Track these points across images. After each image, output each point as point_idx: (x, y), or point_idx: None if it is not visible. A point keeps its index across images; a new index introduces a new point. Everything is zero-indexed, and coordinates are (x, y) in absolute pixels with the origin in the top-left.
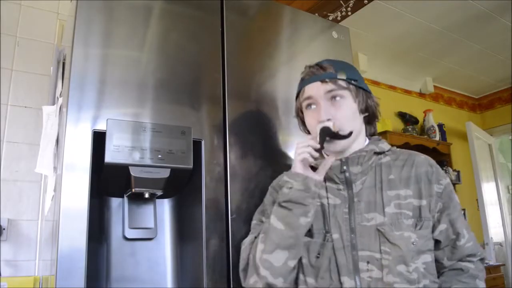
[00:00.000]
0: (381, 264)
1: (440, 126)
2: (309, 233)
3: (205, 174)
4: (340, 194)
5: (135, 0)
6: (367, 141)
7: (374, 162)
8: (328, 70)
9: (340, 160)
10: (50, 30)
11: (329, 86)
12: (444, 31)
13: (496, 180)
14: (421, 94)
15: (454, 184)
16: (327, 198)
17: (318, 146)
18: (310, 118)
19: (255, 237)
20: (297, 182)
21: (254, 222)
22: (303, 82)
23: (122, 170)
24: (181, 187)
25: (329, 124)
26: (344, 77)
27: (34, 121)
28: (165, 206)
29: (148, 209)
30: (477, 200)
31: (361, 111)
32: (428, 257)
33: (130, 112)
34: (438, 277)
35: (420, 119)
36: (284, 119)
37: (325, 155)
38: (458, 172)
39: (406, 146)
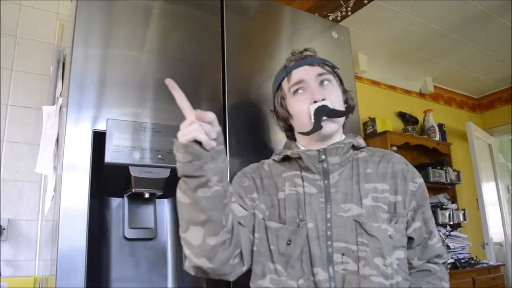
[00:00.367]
0: (357, 256)
1: (440, 126)
2: (280, 220)
3: None
4: (316, 184)
5: (135, 0)
6: (344, 136)
7: (351, 156)
8: (314, 56)
9: (318, 150)
10: (50, 30)
11: (319, 69)
12: (444, 31)
13: (496, 180)
14: (421, 94)
15: (454, 184)
16: (303, 187)
17: (209, 118)
18: (299, 102)
19: None
20: (181, 154)
21: None
22: (289, 68)
23: (122, 170)
24: None
25: (326, 102)
26: (329, 63)
27: (34, 121)
28: (165, 206)
29: (148, 209)
30: (477, 200)
31: (344, 101)
32: (402, 254)
33: (130, 112)
34: None
35: (420, 119)
36: None
37: (310, 141)
38: (458, 172)
39: (406, 146)
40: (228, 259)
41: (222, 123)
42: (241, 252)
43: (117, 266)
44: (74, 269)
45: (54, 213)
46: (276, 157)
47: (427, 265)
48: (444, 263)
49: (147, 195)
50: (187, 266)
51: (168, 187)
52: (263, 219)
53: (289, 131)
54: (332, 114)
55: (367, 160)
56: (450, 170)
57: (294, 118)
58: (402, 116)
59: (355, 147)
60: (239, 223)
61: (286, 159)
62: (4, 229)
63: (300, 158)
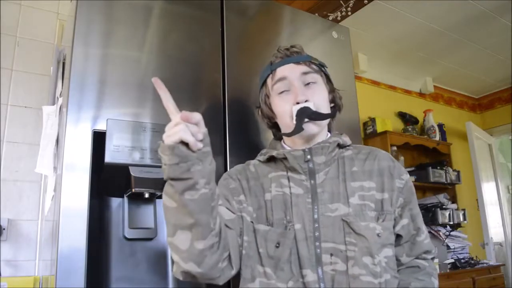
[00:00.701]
0: (345, 256)
1: (440, 126)
2: (268, 222)
3: None
4: (302, 184)
5: (135, 0)
6: (329, 135)
7: (337, 155)
8: (301, 53)
9: (303, 150)
10: (50, 30)
11: (304, 68)
12: (444, 31)
13: (496, 180)
14: (421, 94)
15: (454, 184)
16: (289, 187)
17: (195, 120)
18: (282, 102)
19: None
20: (167, 156)
21: None
22: (274, 65)
23: (122, 170)
24: None
25: (309, 104)
26: (317, 61)
27: (34, 121)
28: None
29: (148, 209)
30: (477, 200)
31: (330, 101)
32: (390, 251)
33: (130, 112)
34: None
35: (420, 119)
36: None
37: (293, 141)
38: (458, 172)
39: (406, 146)
40: (217, 263)
41: (222, 123)
42: (229, 256)
43: (117, 266)
44: (74, 269)
45: (54, 213)
46: (261, 157)
47: (415, 261)
48: (432, 258)
49: (147, 195)
50: (175, 271)
51: None
52: (252, 222)
53: (274, 128)
54: (314, 116)
55: (353, 158)
56: (450, 170)
57: (278, 117)
58: (402, 116)
59: (340, 146)
60: (227, 226)
61: (271, 159)
62: (4, 229)
63: (285, 158)
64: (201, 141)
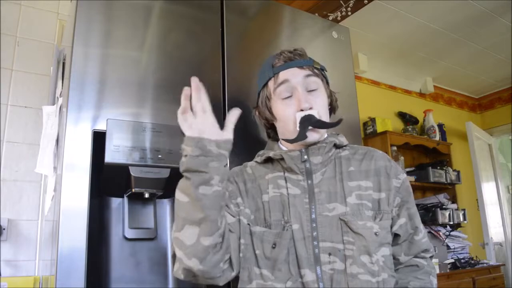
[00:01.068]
0: (344, 255)
1: (440, 126)
2: (266, 224)
3: None
4: (299, 185)
5: (135, 0)
6: (326, 134)
7: (334, 155)
8: (304, 57)
9: (300, 150)
10: (50, 30)
11: (307, 72)
12: (444, 31)
13: (496, 180)
14: (421, 94)
15: (454, 184)
16: (287, 188)
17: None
18: (285, 106)
19: None
20: (190, 147)
21: None
22: (277, 68)
23: (122, 170)
24: None
25: (313, 112)
26: (318, 66)
27: (34, 121)
28: (165, 206)
29: (148, 209)
30: (477, 200)
31: (328, 103)
32: (387, 251)
33: (130, 112)
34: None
35: (420, 119)
36: None
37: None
38: (458, 172)
39: (406, 146)
40: (219, 262)
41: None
42: (230, 258)
43: (117, 266)
44: (74, 269)
45: (54, 213)
46: (258, 158)
47: (414, 260)
48: (431, 257)
49: (147, 195)
50: (176, 270)
51: (168, 187)
52: (248, 224)
53: (271, 130)
54: (318, 125)
55: (349, 158)
56: (450, 170)
57: (279, 121)
58: (402, 116)
59: (337, 146)
60: (229, 230)
61: (268, 160)
62: (4, 229)
63: (282, 159)
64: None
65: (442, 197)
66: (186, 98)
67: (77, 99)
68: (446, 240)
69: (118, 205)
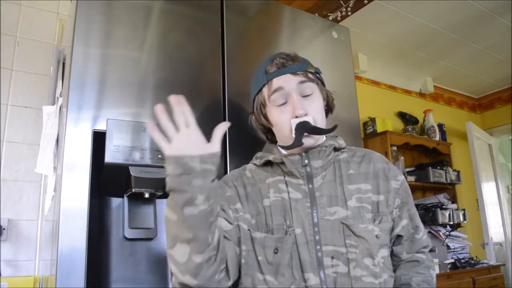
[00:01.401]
0: (346, 259)
1: (440, 126)
2: (267, 228)
3: None
4: (300, 189)
5: (135, 0)
6: (324, 137)
7: (333, 158)
8: (297, 62)
9: (300, 154)
10: (50, 30)
11: (301, 77)
12: (444, 31)
13: (496, 180)
14: (421, 94)
15: (454, 184)
16: (288, 192)
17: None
18: (280, 113)
19: None
20: (171, 166)
21: None
22: (270, 75)
23: (122, 170)
24: None
25: (308, 119)
26: (312, 70)
27: (34, 121)
28: (165, 206)
29: (148, 209)
30: (477, 200)
31: (324, 105)
32: (386, 252)
33: (130, 112)
34: (394, 270)
35: (420, 119)
36: None
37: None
38: (458, 172)
39: (406, 146)
40: (213, 275)
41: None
42: (226, 267)
43: (117, 266)
44: (74, 269)
45: (54, 213)
46: (257, 161)
47: (415, 255)
48: (430, 250)
49: (147, 195)
50: (174, 282)
51: None
52: (249, 229)
53: (269, 133)
54: (314, 131)
55: (348, 161)
56: (450, 170)
57: (275, 127)
58: (402, 116)
59: (336, 149)
60: (224, 237)
61: (268, 163)
62: (4, 229)
63: (282, 163)
64: (210, 158)
65: (442, 197)
66: (163, 116)
67: (77, 99)
68: (446, 240)
69: (118, 205)
